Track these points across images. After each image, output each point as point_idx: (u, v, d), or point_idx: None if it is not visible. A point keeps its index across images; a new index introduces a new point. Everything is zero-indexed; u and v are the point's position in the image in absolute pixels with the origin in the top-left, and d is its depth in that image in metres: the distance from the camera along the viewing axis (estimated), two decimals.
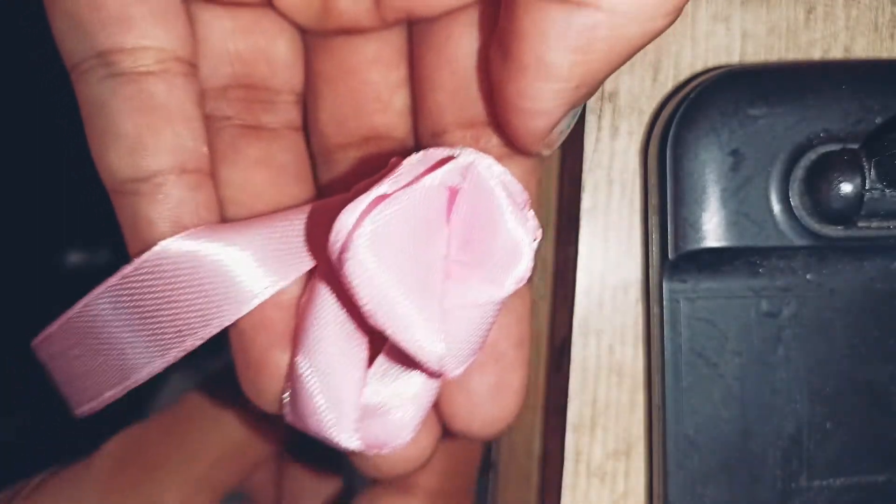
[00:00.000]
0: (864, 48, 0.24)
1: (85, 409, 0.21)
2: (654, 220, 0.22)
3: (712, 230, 0.22)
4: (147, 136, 0.19)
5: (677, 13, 0.16)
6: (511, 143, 0.20)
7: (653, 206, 0.23)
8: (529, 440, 0.28)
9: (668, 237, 0.22)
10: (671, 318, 0.22)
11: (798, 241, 0.22)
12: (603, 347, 0.24)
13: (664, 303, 0.22)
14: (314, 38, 0.22)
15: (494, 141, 0.21)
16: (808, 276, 0.22)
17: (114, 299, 0.19)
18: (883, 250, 0.22)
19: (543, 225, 0.28)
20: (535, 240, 0.18)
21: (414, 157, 0.18)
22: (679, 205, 0.22)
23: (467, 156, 0.18)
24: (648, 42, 0.17)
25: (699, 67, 0.23)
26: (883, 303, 0.22)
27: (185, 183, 0.19)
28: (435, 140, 0.21)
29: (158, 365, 0.19)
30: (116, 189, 0.19)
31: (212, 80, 0.21)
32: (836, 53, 0.23)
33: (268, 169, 0.21)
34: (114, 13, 0.18)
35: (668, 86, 0.23)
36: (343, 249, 0.17)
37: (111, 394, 0.20)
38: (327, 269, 0.19)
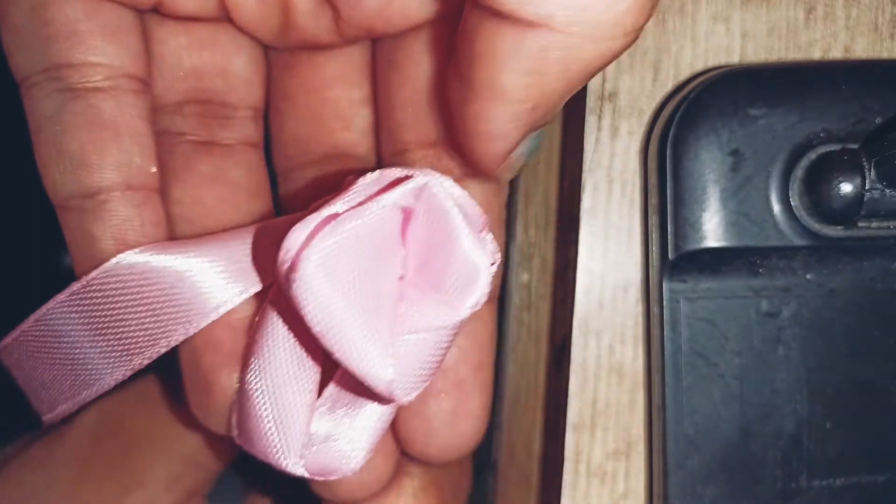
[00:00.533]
0: (864, 48, 0.24)
1: (49, 417, 0.20)
2: (654, 220, 0.22)
3: (712, 230, 0.22)
4: (92, 153, 0.18)
5: (636, 33, 0.16)
6: (471, 167, 0.19)
7: (653, 206, 0.23)
8: (529, 440, 0.28)
9: (668, 237, 0.22)
10: (671, 318, 0.22)
11: (798, 241, 0.22)
12: (603, 347, 0.24)
13: (664, 303, 0.22)
14: (277, 54, 0.22)
15: (456, 161, 0.20)
16: (808, 276, 0.22)
17: (65, 314, 0.19)
18: (883, 250, 0.22)
19: (543, 225, 0.28)
20: (493, 263, 0.17)
21: (369, 177, 0.17)
22: (679, 205, 0.22)
23: (423, 176, 0.17)
24: (608, 63, 0.16)
25: (699, 67, 0.23)
26: (883, 303, 0.22)
27: (130, 200, 0.19)
28: (396, 159, 0.21)
29: (109, 381, 0.19)
30: (61, 205, 0.19)
31: (167, 95, 0.21)
32: (836, 53, 0.24)
33: (220, 186, 0.21)
34: (63, 28, 0.18)
35: (669, 86, 0.23)
36: (291, 269, 0.16)
37: (69, 405, 0.20)
38: (278, 290, 0.19)
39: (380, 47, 0.21)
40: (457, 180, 0.17)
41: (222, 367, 0.20)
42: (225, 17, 0.20)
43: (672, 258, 0.22)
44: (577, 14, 0.15)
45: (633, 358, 0.24)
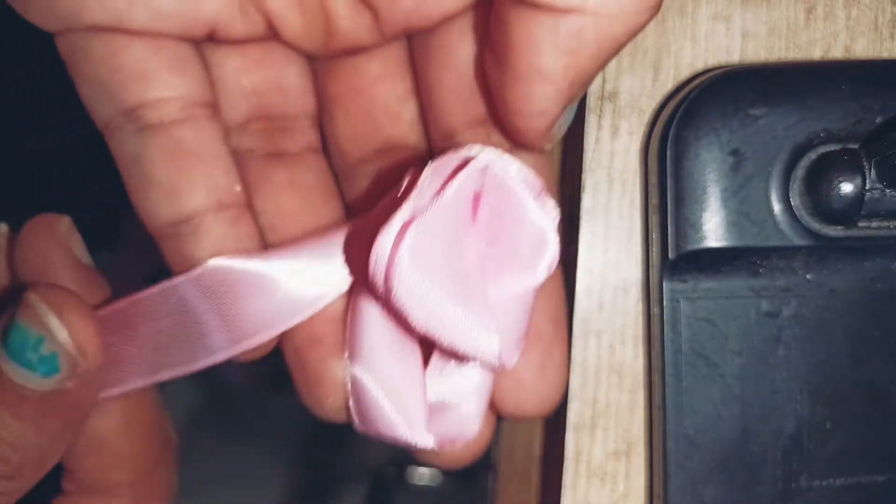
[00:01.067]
0: (864, 48, 0.24)
1: (106, 393, 0.21)
2: (654, 220, 0.22)
3: (712, 230, 0.22)
4: (180, 181, 0.20)
5: (658, 6, 0.17)
6: (516, 142, 0.21)
7: (653, 205, 0.23)
8: (529, 440, 0.28)
9: (669, 237, 0.22)
10: (671, 318, 0.22)
11: (798, 241, 0.22)
12: (603, 348, 0.24)
13: (664, 303, 0.22)
14: (322, 63, 0.23)
15: (504, 136, 0.21)
16: (808, 276, 0.22)
17: (162, 302, 0.20)
18: (883, 250, 0.22)
19: None
20: (555, 220, 0.19)
21: (429, 169, 0.18)
22: (679, 204, 0.22)
23: (483, 155, 0.18)
24: (634, 36, 0.17)
25: (699, 67, 0.23)
26: (883, 303, 0.22)
27: (223, 219, 0.20)
28: (447, 142, 0.22)
29: (191, 367, 0.21)
30: (158, 234, 0.21)
31: (232, 116, 0.22)
32: (836, 53, 0.24)
33: (296, 191, 0.22)
34: (133, 71, 0.20)
35: (669, 85, 0.23)
36: (388, 277, 0.17)
37: (141, 382, 0.21)
38: (367, 284, 0.19)
39: (416, 40, 0.22)
40: (508, 152, 0.19)
41: (329, 358, 0.21)
42: (273, 35, 0.21)
43: (672, 258, 0.22)
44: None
45: (633, 358, 0.24)
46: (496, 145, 0.19)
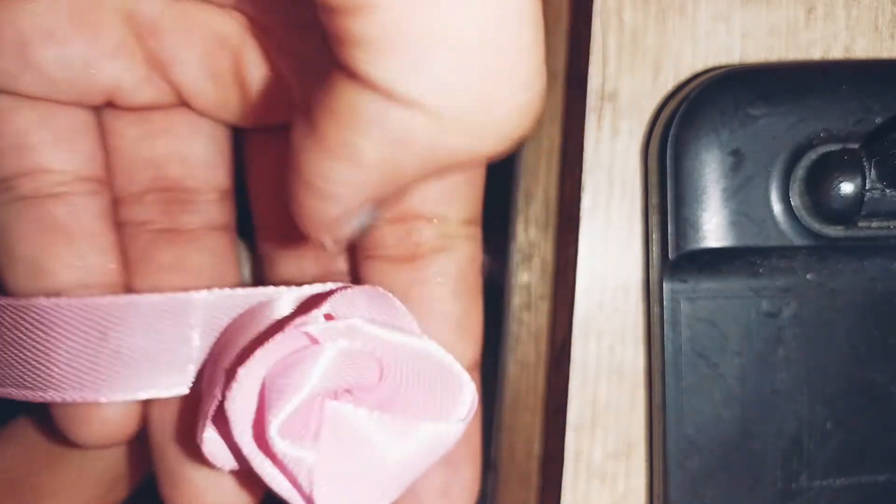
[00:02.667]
0: (864, 48, 0.24)
1: None
2: (654, 220, 0.22)
3: (713, 230, 0.21)
4: (46, 259, 0.19)
5: (511, 141, 0.14)
6: (298, 225, 0.18)
7: (653, 205, 0.23)
8: (529, 440, 0.28)
9: (669, 237, 0.22)
10: (671, 318, 0.22)
11: (798, 241, 0.22)
12: (603, 348, 0.24)
13: (664, 303, 0.22)
14: (249, 135, 0.21)
15: (427, 234, 0.20)
16: (808, 276, 0.22)
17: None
18: (883, 250, 0.22)
19: (544, 225, 0.28)
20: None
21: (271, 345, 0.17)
22: (679, 204, 0.22)
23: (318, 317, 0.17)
24: (477, 163, 0.15)
25: (699, 67, 0.23)
26: (883, 303, 0.22)
27: (87, 295, 0.19)
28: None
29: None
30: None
31: (128, 187, 0.21)
32: (836, 53, 0.24)
33: (179, 274, 0.20)
34: (15, 140, 0.19)
35: (669, 86, 0.23)
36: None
37: (23, 394, 0.19)
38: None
39: None
40: (435, 251, 0.18)
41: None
42: (181, 103, 0.20)
43: (672, 258, 0.22)
44: (450, 102, 0.13)
45: (633, 358, 0.24)
46: (419, 244, 0.18)
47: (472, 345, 0.20)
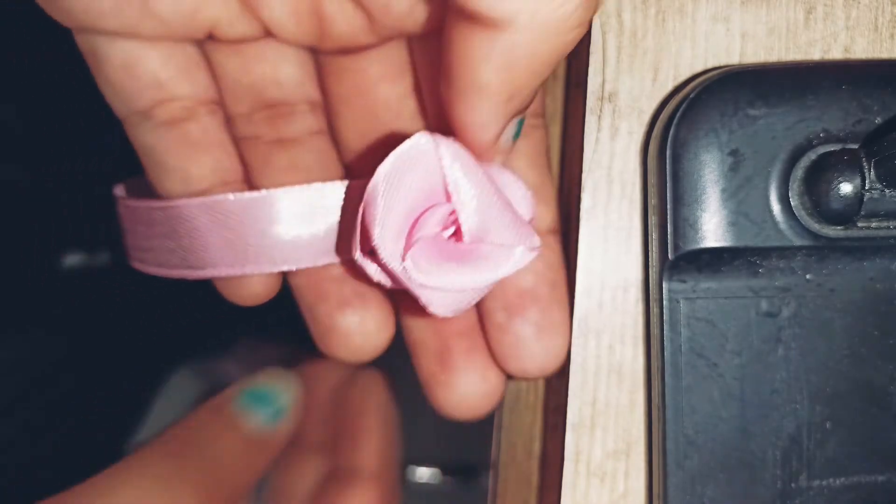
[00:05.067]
0: (864, 48, 0.24)
1: (143, 268, 0.25)
2: (653, 220, 0.22)
3: (712, 230, 0.22)
4: (190, 167, 0.23)
5: (585, 26, 0.18)
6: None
7: (652, 206, 0.23)
8: (529, 440, 0.28)
9: (668, 237, 0.22)
10: (671, 318, 0.22)
11: (798, 241, 0.22)
12: (603, 347, 0.24)
13: (664, 303, 0.22)
14: (325, 62, 0.24)
15: None
16: (807, 276, 0.22)
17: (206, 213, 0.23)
18: (883, 250, 0.22)
19: None
20: (531, 219, 0.21)
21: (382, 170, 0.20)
22: (679, 205, 0.22)
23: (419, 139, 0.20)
24: (565, 52, 0.19)
25: (699, 67, 0.23)
26: (883, 303, 0.22)
27: (228, 192, 0.23)
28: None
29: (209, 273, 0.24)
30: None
31: (237, 107, 0.25)
32: (836, 53, 0.24)
33: (297, 172, 0.24)
34: (148, 80, 0.23)
35: (668, 86, 0.23)
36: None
37: (171, 272, 0.24)
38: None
39: (415, 43, 0.24)
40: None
41: (335, 312, 0.24)
42: (269, 35, 0.23)
43: (672, 258, 0.22)
44: (535, 14, 0.17)
45: (632, 358, 0.24)
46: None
47: (549, 209, 0.25)
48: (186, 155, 0.23)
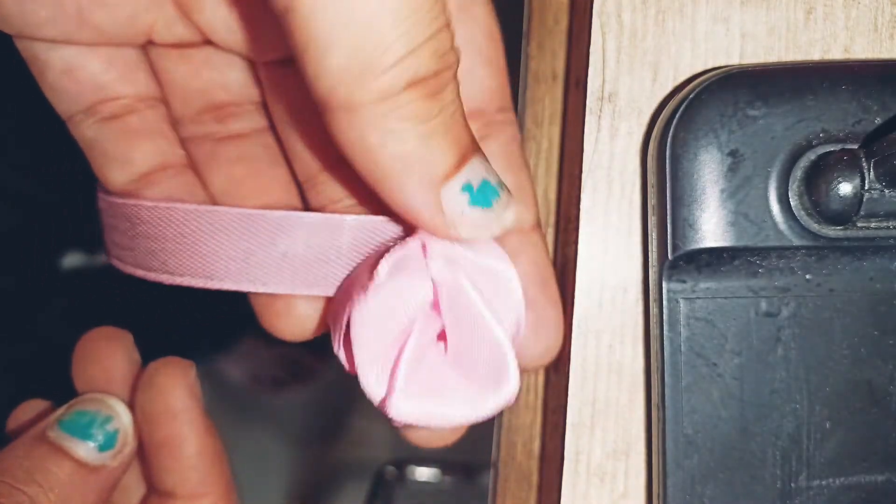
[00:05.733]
0: (863, 48, 0.24)
1: (124, 269, 0.25)
2: (653, 220, 0.23)
3: (711, 230, 0.22)
4: (131, 152, 0.24)
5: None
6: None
7: (652, 206, 0.23)
8: (529, 440, 0.28)
9: (668, 237, 0.22)
10: (670, 317, 0.22)
11: (797, 241, 0.22)
12: (602, 347, 0.24)
13: (663, 303, 0.22)
14: (266, 69, 0.25)
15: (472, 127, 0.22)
16: (807, 276, 0.22)
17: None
18: (882, 250, 0.22)
19: (543, 225, 0.28)
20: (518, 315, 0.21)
21: (385, 264, 0.20)
22: (678, 205, 0.22)
23: (437, 250, 0.20)
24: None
25: (699, 68, 0.23)
26: (883, 303, 0.22)
27: (169, 174, 0.25)
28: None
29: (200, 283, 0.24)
30: (122, 193, 0.25)
31: (187, 110, 0.26)
32: (836, 53, 0.24)
33: (245, 162, 0.25)
34: (91, 83, 0.24)
35: (668, 86, 0.23)
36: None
37: (164, 278, 0.24)
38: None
39: None
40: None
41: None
42: (206, 41, 0.24)
43: (671, 258, 0.22)
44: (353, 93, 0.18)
45: (632, 358, 0.24)
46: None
47: (530, 208, 0.24)
48: (127, 143, 0.24)
